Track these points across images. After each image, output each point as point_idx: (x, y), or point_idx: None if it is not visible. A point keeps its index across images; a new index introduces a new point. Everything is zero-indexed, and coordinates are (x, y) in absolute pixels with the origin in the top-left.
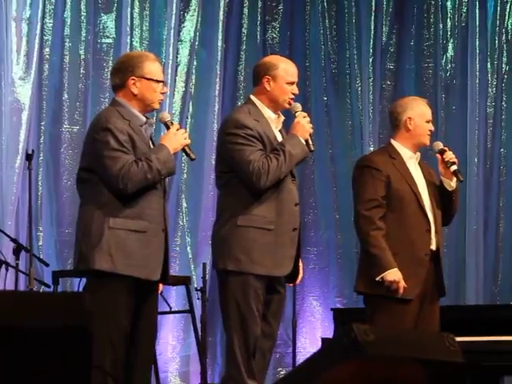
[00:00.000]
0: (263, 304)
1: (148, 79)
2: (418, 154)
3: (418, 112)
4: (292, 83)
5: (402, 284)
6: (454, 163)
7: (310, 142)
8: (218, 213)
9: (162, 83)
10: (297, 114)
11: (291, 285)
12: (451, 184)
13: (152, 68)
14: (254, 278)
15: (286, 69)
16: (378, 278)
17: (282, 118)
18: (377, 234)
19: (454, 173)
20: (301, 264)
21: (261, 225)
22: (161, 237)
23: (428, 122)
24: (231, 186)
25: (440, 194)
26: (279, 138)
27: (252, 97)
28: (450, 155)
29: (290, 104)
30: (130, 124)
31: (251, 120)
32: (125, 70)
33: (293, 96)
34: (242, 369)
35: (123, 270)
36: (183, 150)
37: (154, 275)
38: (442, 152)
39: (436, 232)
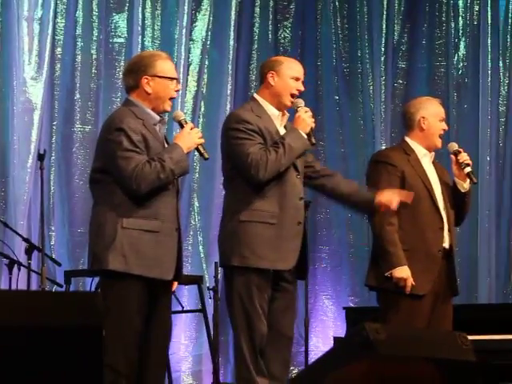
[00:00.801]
0: (267, 302)
1: (161, 77)
2: (433, 153)
3: (431, 112)
4: (296, 79)
5: (410, 282)
6: (468, 165)
7: (312, 136)
8: (223, 211)
9: (175, 80)
10: (298, 108)
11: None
12: (464, 185)
13: (164, 66)
14: (258, 274)
15: (290, 65)
16: (386, 274)
17: (287, 114)
18: (391, 229)
19: (468, 174)
20: None
21: (263, 219)
22: (174, 236)
23: (441, 121)
24: (235, 183)
25: (453, 194)
26: None
27: (255, 95)
28: (464, 157)
29: (291, 102)
30: (143, 123)
31: (252, 115)
32: (137, 70)
33: (297, 92)
34: (251, 366)
35: (136, 270)
36: (197, 149)
37: (167, 275)
38: (456, 153)
39: (449, 230)
